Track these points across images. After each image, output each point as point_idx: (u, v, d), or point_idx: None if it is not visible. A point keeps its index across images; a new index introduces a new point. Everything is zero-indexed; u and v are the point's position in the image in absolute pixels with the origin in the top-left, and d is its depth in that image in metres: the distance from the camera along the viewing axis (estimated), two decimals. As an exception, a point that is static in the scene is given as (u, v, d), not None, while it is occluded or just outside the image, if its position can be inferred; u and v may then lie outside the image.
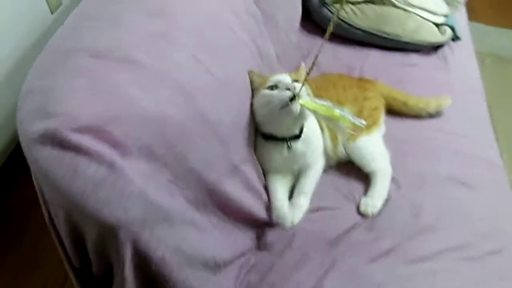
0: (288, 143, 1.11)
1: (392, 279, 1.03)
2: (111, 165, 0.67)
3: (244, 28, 1.07)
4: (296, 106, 0.97)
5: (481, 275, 1.05)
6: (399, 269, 1.04)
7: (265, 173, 1.16)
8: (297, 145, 1.12)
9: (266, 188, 1.14)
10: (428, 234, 1.12)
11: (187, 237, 0.82)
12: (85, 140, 0.66)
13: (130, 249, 0.70)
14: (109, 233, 0.68)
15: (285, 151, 1.13)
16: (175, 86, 0.80)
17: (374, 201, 1.17)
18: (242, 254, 1.06)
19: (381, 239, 1.11)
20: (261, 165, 1.15)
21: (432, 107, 1.40)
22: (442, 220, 1.15)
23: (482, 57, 2.40)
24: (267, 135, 1.11)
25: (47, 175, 0.64)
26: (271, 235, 1.13)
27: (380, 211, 1.16)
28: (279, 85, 1.01)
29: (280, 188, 1.14)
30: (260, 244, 1.11)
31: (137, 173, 0.71)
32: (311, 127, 1.14)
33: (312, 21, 1.68)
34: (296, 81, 1.03)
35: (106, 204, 0.66)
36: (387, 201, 1.18)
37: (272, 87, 1.02)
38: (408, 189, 1.21)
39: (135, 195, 0.69)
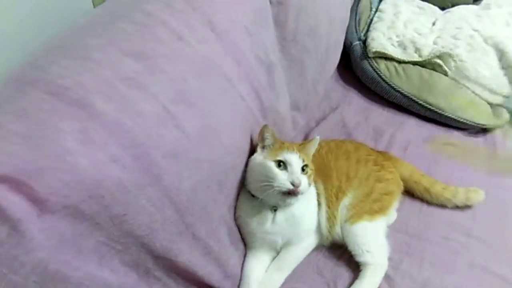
0: (273, 210, 1.00)
1: None
2: (14, 227, 0.59)
3: (246, 78, 0.95)
4: (291, 201, 0.95)
5: None
6: None
7: (245, 247, 1.06)
8: (281, 220, 1.00)
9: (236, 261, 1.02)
10: None
11: None
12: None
13: None
14: None
15: (269, 218, 1.00)
16: (127, 142, 0.70)
17: None
18: None
19: None
20: (241, 234, 1.05)
21: (459, 199, 1.20)
22: None
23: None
24: (253, 195, 1.01)
25: None
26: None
27: (359, 313, 1.00)
28: (288, 168, 0.94)
29: (254, 271, 1.03)
30: None
31: (51, 236, 0.63)
32: (305, 203, 1.01)
33: (352, 72, 1.53)
34: (304, 167, 0.96)
35: None
36: (372, 303, 1.02)
37: (280, 164, 0.94)
38: (401, 295, 1.03)
39: (30, 267, 0.61)
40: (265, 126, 0.99)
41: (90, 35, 0.79)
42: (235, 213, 1.03)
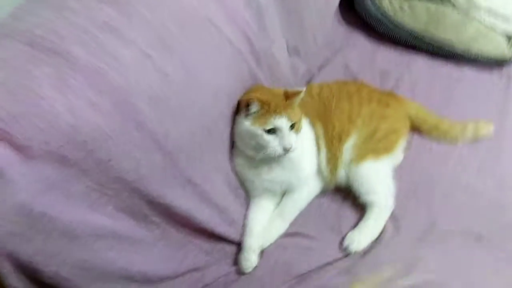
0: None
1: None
2: None
3: (233, 21, 0.91)
4: (283, 154, 0.94)
5: None
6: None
7: (247, 194, 1.06)
8: (278, 166, 0.99)
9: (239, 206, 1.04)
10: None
11: (99, 252, 0.75)
12: None
13: (8, 262, 0.65)
14: None
15: (265, 168, 1.00)
16: (104, 88, 0.70)
17: (361, 238, 1.01)
18: (194, 270, 0.97)
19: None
20: (241, 183, 1.05)
21: (469, 132, 1.15)
22: (436, 285, 0.94)
23: None
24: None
25: None
26: (232, 256, 1.03)
27: (366, 253, 1.00)
28: (278, 133, 0.93)
29: (257, 219, 1.03)
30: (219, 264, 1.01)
31: (35, 179, 0.64)
32: (301, 147, 0.99)
33: (355, 12, 1.45)
34: (293, 125, 0.93)
35: None
36: (378, 243, 1.01)
37: (270, 131, 0.92)
38: (407, 235, 1.02)
39: (14, 210, 0.62)
40: (247, 95, 0.95)
41: None
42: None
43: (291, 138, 0.93)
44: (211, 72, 0.86)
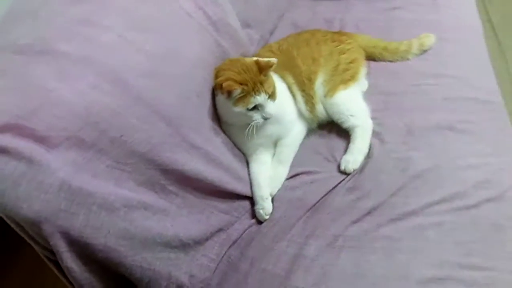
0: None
1: (376, 241, 0.97)
2: (30, 160, 0.66)
3: (189, -2, 1.01)
4: (266, 122, 1.05)
5: (476, 225, 0.97)
6: (384, 229, 0.98)
7: (246, 156, 1.14)
8: (264, 125, 1.08)
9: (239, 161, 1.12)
10: (415, 188, 1.05)
11: (136, 221, 0.81)
12: (5, 139, 0.66)
13: (62, 240, 0.70)
14: (34, 228, 0.68)
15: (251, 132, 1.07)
16: (100, 70, 0.77)
17: (354, 157, 1.11)
18: (220, 230, 1.04)
19: (364, 198, 1.05)
20: (238, 147, 1.13)
21: (415, 47, 1.31)
22: (431, 172, 1.07)
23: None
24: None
25: None
26: (249, 210, 1.11)
27: (363, 169, 1.10)
28: (259, 107, 1.02)
29: (260, 172, 1.11)
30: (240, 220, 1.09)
31: (64, 164, 0.70)
32: (278, 101, 1.08)
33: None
34: (269, 95, 1.03)
35: (25, 199, 0.66)
36: (370, 158, 1.12)
37: (252, 108, 1.01)
38: (393, 144, 1.13)
39: (56, 186, 0.68)
40: (228, 86, 0.97)
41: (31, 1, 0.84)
42: None
43: (270, 107, 1.03)
44: (184, 45, 0.95)
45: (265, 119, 1.03)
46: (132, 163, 0.82)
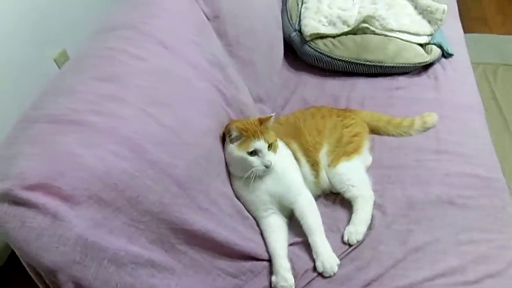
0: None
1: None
2: (54, 215, 0.75)
3: (204, 77, 1.14)
4: (266, 172, 1.14)
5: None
6: (384, 301, 1.00)
7: (257, 219, 1.18)
8: (267, 180, 1.15)
9: (247, 222, 1.16)
10: (416, 260, 1.07)
11: (141, 278, 0.86)
12: (35, 196, 0.75)
13: None
14: (50, 276, 0.75)
15: (257, 184, 1.15)
16: (121, 139, 0.88)
17: (356, 228, 1.15)
18: None
19: (364, 269, 1.07)
20: (248, 210, 1.17)
21: (417, 124, 1.39)
22: (430, 245, 1.10)
23: (494, 67, 2.32)
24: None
25: (3, 229, 0.74)
26: (260, 276, 1.11)
27: (364, 240, 1.14)
28: (259, 154, 1.12)
29: (277, 241, 1.13)
30: (247, 283, 1.11)
31: (84, 220, 0.78)
32: (281, 162, 1.17)
33: (300, 60, 1.73)
34: (270, 145, 1.13)
35: (46, 250, 0.74)
36: (371, 230, 1.16)
37: (251, 153, 1.11)
38: (394, 216, 1.18)
39: (74, 240, 0.76)
40: (229, 124, 1.14)
41: (70, 75, 0.98)
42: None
43: (270, 156, 1.12)
44: (196, 117, 1.07)
45: (266, 166, 1.12)
46: (146, 221, 0.89)
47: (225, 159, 1.16)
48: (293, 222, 1.19)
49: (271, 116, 1.16)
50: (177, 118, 1.00)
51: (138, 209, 0.87)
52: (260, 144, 1.11)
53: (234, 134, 1.12)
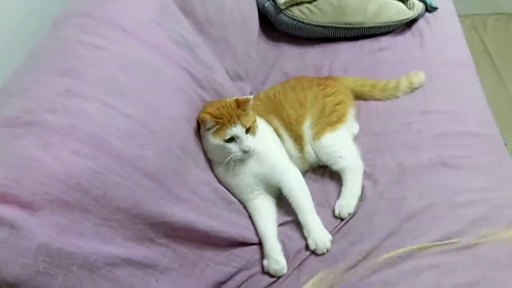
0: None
1: (372, 287, 0.95)
2: (12, 225, 0.69)
3: (171, 60, 1.07)
4: (246, 156, 1.09)
5: (475, 265, 0.93)
6: (379, 274, 0.96)
7: (243, 203, 1.13)
8: (250, 162, 1.10)
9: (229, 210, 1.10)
10: (411, 229, 1.02)
11: (121, 279, 0.82)
12: None
13: None
14: None
15: (240, 167, 1.10)
16: (81, 136, 0.81)
17: (347, 201, 1.10)
18: (219, 283, 1.03)
19: (358, 243, 1.03)
20: (233, 194, 1.13)
21: (404, 85, 1.32)
22: (426, 211, 1.05)
23: (483, 18, 2.23)
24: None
25: None
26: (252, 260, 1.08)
27: (356, 212, 1.09)
28: (237, 140, 1.07)
29: (267, 225, 1.09)
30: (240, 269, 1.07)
31: (47, 226, 0.73)
32: (262, 141, 1.11)
33: (277, 30, 1.65)
34: (248, 129, 1.07)
35: (4, 264, 0.68)
36: (363, 201, 1.11)
37: (229, 140, 1.06)
38: (386, 185, 1.13)
39: (34, 250, 0.70)
40: (202, 113, 1.06)
41: (23, 73, 0.91)
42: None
43: (248, 141, 1.06)
44: (165, 104, 1.00)
45: (244, 152, 1.06)
46: (119, 219, 0.84)
47: (202, 145, 1.10)
48: (282, 201, 1.14)
49: (249, 99, 1.09)
50: (143, 107, 0.94)
51: (109, 207, 0.82)
52: (237, 130, 1.05)
53: (208, 124, 1.05)
